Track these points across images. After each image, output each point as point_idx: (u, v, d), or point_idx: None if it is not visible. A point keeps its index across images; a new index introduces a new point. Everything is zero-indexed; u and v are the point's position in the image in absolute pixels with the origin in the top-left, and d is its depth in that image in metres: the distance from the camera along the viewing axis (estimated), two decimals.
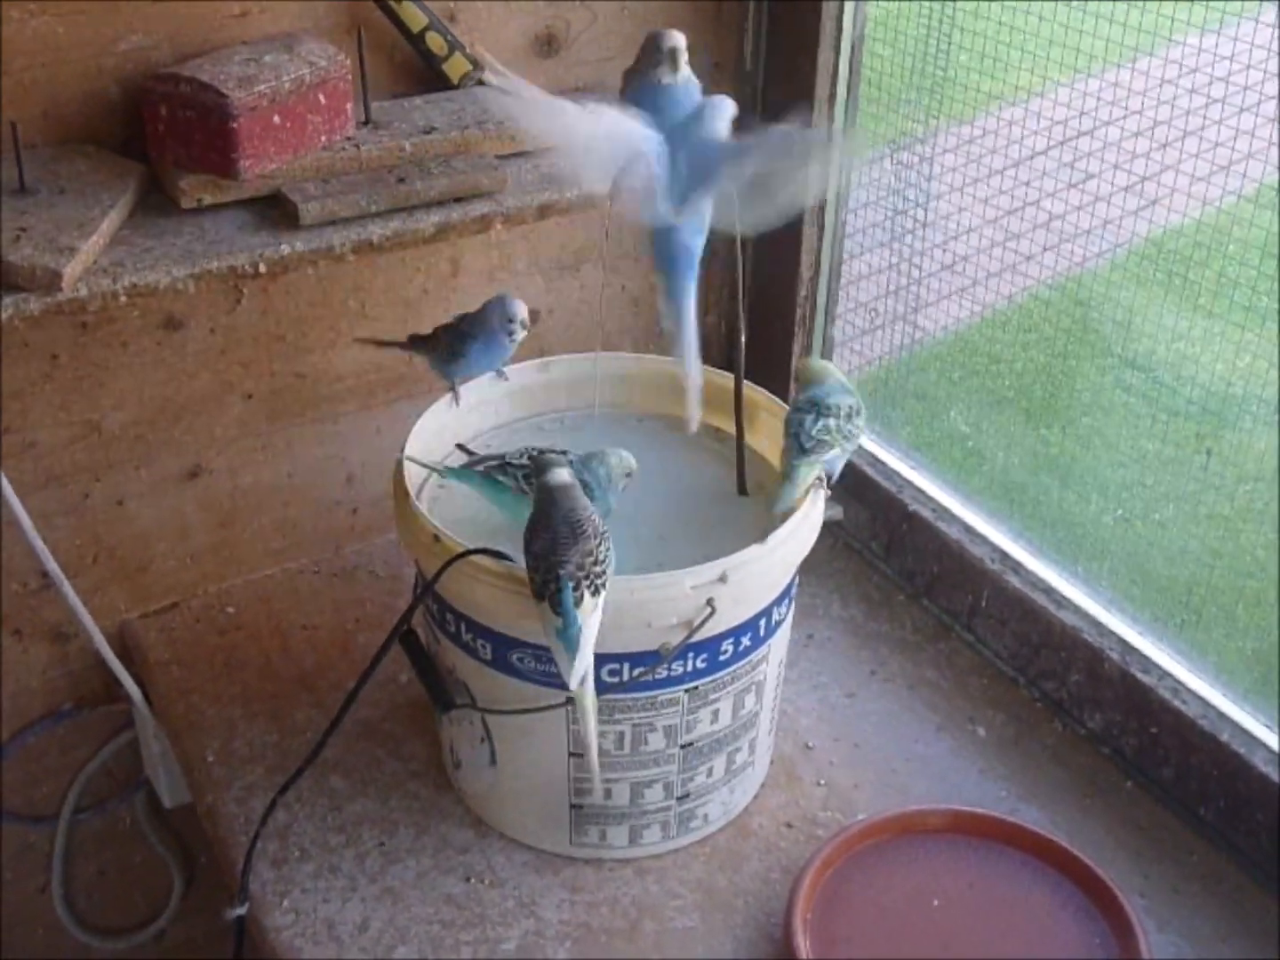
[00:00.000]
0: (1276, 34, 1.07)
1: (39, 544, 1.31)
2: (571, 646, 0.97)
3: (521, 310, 1.23)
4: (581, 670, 0.98)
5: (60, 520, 1.37)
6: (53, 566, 1.33)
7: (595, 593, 0.97)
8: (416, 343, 1.28)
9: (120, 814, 1.57)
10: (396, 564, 1.54)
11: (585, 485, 1.06)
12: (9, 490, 1.28)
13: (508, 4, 1.36)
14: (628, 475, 1.13)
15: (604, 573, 0.98)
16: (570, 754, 1.13)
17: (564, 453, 1.09)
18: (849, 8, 1.39)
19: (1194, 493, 1.28)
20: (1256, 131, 1.10)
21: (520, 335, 1.23)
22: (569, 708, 1.09)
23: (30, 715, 1.46)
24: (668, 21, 1.45)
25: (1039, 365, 1.45)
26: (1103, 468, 1.39)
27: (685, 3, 1.45)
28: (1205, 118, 1.15)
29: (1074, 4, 1.22)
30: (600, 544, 0.98)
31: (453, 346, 1.24)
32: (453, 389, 1.26)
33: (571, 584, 0.96)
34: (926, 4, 1.37)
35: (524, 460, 1.11)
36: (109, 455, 1.37)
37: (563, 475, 1.02)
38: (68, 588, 1.34)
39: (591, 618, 0.97)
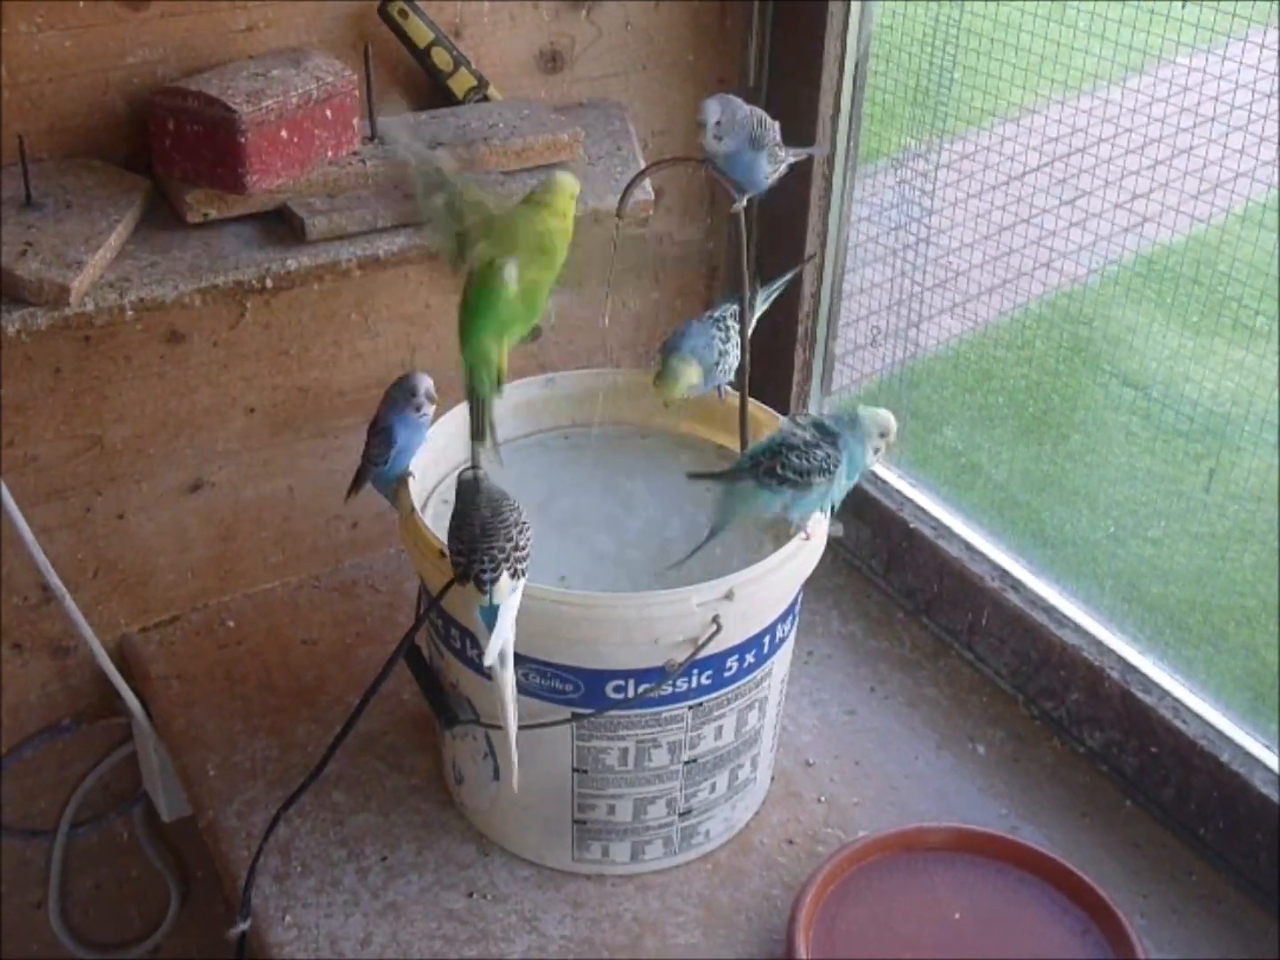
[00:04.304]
0: (1278, 55, 1.08)
1: (40, 557, 1.31)
2: (492, 624, 1.01)
3: (424, 383, 1.16)
4: (499, 646, 1.02)
5: (61, 534, 1.37)
6: (54, 580, 1.32)
7: (515, 576, 1.02)
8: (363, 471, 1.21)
9: (118, 828, 1.56)
10: (397, 578, 1.54)
11: (833, 435, 1.10)
12: (10, 503, 1.27)
13: (513, 20, 1.37)
14: (883, 435, 1.12)
15: (524, 559, 1.03)
16: (574, 770, 1.13)
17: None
18: (854, 24, 1.40)
19: (1187, 511, 1.29)
20: (1247, 150, 1.11)
21: (429, 409, 1.16)
22: (573, 724, 1.10)
23: (29, 729, 1.45)
24: (671, 37, 1.46)
25: (1032, 382, 1.45)
26: (1096, 484, 1.40)
27: (688, 19, 1.46)
28: (1196, 136, 1.16)
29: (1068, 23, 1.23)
30: (522, 533, 1.03)
31: (381, 447, 1.17)
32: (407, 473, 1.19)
33: (492, 566, 1.00)
34: (927, 20, 1.37)
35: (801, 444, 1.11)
36: (110, 469, 1.37)
37: (470, 472, 1.05)
38: (69, 601, 1.34)
39: (511, 598, 1.02)
